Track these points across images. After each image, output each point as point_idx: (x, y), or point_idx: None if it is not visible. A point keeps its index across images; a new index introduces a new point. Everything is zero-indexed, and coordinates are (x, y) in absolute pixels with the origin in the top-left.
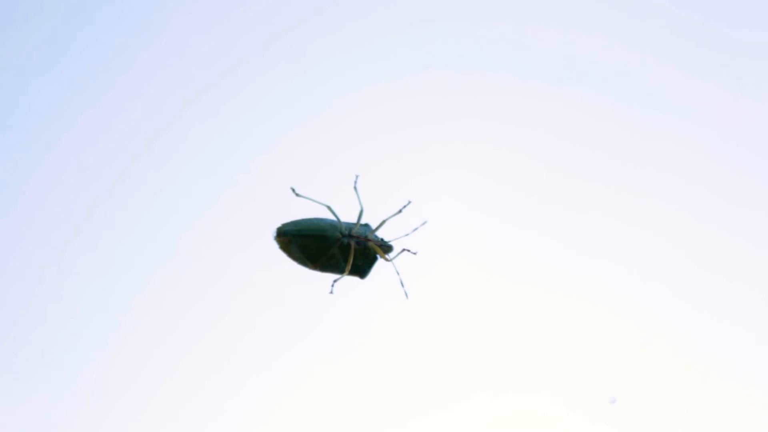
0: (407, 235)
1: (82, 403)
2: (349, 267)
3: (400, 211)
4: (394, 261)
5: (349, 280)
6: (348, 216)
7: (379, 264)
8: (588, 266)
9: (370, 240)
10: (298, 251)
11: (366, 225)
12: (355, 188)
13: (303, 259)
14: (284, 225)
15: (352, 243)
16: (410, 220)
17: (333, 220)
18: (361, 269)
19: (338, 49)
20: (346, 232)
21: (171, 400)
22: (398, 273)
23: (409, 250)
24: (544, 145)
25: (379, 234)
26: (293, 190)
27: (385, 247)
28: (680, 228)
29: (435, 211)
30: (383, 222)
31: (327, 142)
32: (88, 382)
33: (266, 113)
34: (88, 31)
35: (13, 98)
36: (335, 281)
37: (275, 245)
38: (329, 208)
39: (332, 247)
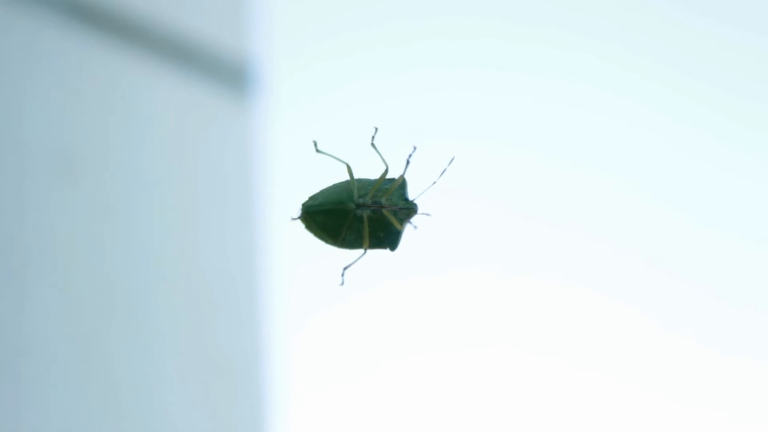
0: (434, 183)
1: None
2: (367, 245)
3: (443, 171)
4: (414, 223)
5: (375, 254)
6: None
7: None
8: None
9: (384, 207)
10: (320, 229)
11: (402, 184)
12: (372, 144)
13: (324, 236)
14: (311, 199)
15: (364, 214)
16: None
17: (356, 185)
18: (384, 241)
19: None
20: (359, 201)
21: None
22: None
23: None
24: None
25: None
26: (315, 144)
27: (405, 211)
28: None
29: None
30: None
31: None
32: None
33: None
34: None
35: None
36: (346, 268)
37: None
38: (348, 168)
39: (347, 221)
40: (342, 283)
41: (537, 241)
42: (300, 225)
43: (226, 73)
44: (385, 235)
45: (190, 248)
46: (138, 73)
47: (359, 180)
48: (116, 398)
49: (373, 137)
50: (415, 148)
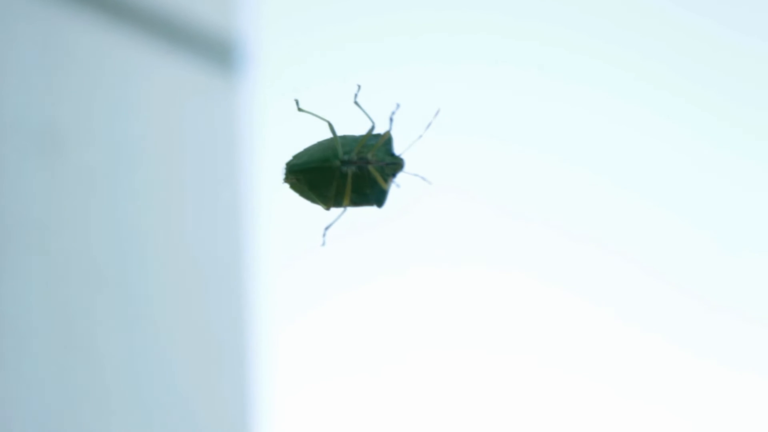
0: (420, 137)
1: None
2: (347, 202)
3: (428, 125)
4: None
5: (361, 211)
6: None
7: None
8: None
9: (370, 162)
10: (307, 188)
11: (388, 140)
12: (356, 102)
13: (312, 197)
14: (295, 158)
15: (350, 171)
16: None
17: (341, 143)
18: (371, 198)
19: None
20: (345, 158)
21: None
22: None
23: (423, 178)
24: None
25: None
26: (297, 103)
27: (392, 166)
28: None
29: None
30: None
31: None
32: None
33: None
34: None
35: None
36: (327, 228)
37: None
38: (330, 125)
39: (333, 178)
40: (323, 244)
41: (529, 237)
42: (290, 201)
43: (213, 48)
44: (372, 192)
45: (175, 225)
46: (124, 48)
47: (343, 137)
48: (99, 377)
49: (356, 95)
50: (398, 105)
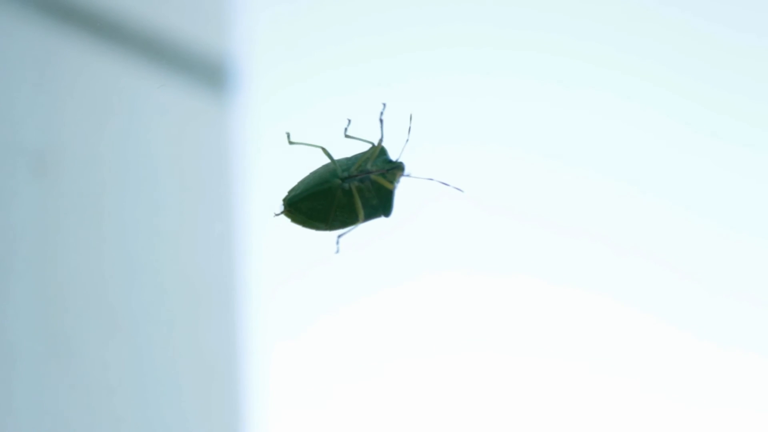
0: (408, 141)
1: None
2: (361, 215)
3: (409, 130)
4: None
5: (372, 223)
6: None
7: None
8: None
9: (371, 172)
10: (307, 218)
11: (382, 150)
12: (347, 135)
13: (314, 224)
14: (291, 191)
15: (353, 186)
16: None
17: (335, 165)
18: (379, 209)
19: None
20: (344, 175)
21: None
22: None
23: (446, 184)
24: None
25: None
26: (288, 136)
27: (393, 172)
28: None
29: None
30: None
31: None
32: None
33: None
34: None
35: None
36: (340, 236)
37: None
38: (324, 150)
39: (335, 199)
40: (337, 251)
41: (531, 241)
42: (284, 224)
43: (206, 71)
44: (378, 202)
45: (169, 248)
46: (117, 71)
47: (338, 160)
48: (92, 398)
49: (346, 129)
50: (384, 105)
